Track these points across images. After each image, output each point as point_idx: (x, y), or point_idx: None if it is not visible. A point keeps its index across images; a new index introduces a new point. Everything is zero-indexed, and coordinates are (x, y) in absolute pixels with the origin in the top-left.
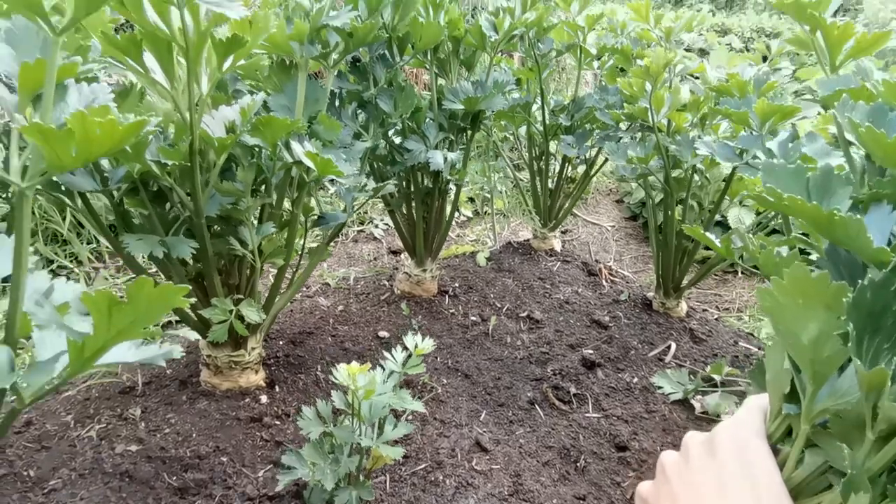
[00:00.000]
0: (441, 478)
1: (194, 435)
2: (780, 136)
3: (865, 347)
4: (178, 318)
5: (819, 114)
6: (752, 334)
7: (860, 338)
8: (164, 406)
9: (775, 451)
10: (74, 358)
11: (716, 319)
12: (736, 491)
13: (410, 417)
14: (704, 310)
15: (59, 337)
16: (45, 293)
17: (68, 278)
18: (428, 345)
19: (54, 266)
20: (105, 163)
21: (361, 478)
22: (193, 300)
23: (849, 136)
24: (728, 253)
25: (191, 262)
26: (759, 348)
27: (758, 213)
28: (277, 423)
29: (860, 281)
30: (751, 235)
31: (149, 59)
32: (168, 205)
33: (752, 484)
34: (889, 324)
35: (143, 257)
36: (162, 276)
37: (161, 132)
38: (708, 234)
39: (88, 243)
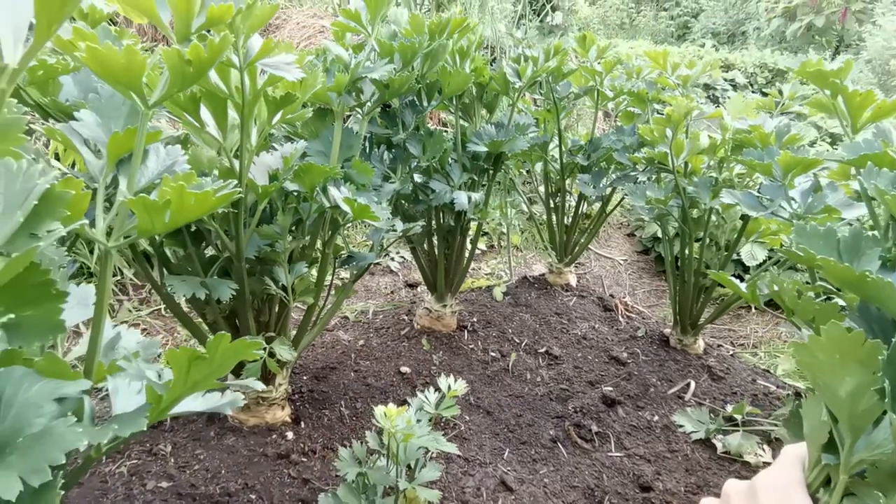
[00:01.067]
0: None
1: (223, 471)
2: (801, 187)
3: None
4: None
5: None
6: (768, 371)
7: (895, 393)
8: (192, 441)
9: (814, 500)
10: (153, 409)
11: (731, 355)
12: None
13: (435, 454)
14: (719, 345)
15: (131, 386)
16: (111, 341)
17: None
18: (461, 386)
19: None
20: None
21: None
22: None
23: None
24: (755, 300)
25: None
26: (778, 386)
27: (770, 250)
28: (304, 459)
29: (894, 339)
30: (787, 281)
31: (204, 113)
32: (204, 244)
33: None
34: None
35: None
36: (194, 310)
37: (206, 177)
38: (732, 278)
39: (113, 276)
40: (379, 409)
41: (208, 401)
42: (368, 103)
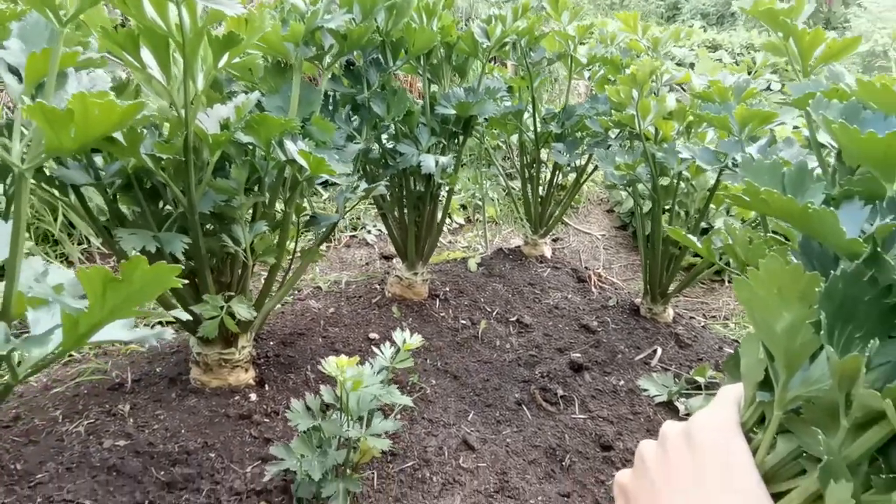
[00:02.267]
0: (428, 475)
1: (183, 431)
2: (759, 142)
3: (837, 337)
4: (170, 320)
5: (796, 128)
6: (737, 341)
7: (832, 327)
8: (153, 403)
9: (749, 439)
10: (69, 333)
11: (702, 327)
12: (711, 479)
13: (399, 416)
14: (692, 317)
15: (54, 318)
16: (41, 275)
17: None
18: (416, 340)
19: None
20: (99, 160)
21: (349, 471)
22: (185, 282)
23: (821, 139)
24: (709, 254)
25: (183, 259)
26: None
27: (743, 222)
28: (267, 420)
29: (832, 272)
30: (739, 228)
31: (146, 55)
32: (161, 203)
33: (728, 473)
34: (860, 314)
35: (136, 253)
36: None
37: (156, 128)
38: (690, 236)
39: (79, 244)
40: (330, 359)
41: (136, 333)
42: (328, 57)
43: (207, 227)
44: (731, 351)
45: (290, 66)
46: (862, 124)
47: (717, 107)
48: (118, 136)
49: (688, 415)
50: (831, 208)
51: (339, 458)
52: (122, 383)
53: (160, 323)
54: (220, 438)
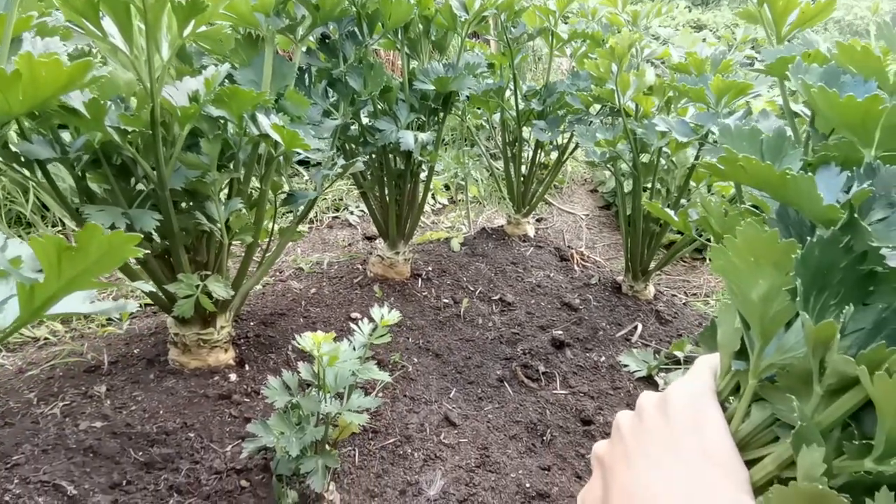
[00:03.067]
0: (409, 451)
1: (161, 412)
2: (735, 114)
3: (812, 304)
4: (147, 302)
5: (771, 88)
6: (717, 317)
7: (807, 294)
8: (130, 384)
9: (724, 407)
10: (24, 305)
11: (683, 304)
12: (686, 447)
13: (381, 394)
14: (673, 295)
15: (11, 290)
16: None
17: None
18: (394, 316)
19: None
20: (66, 136)
21: (328, 447)
22: (146, 251)
23: (795, 107)
24: (685, 227)
25: (157, 238)
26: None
27: (723, 199)
28: (247, 400)
29: (809, 238)
30: (714, 200)
31: (108, 24)
32: (132, 180)
33: (702, 440)
34: (836, 281)
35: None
36: None
37: (122, 101)
38: (667, 209)
39: (53, 226)
40: (306, 335)
41: (98, 305)
42: (301, 29)
43: (181, 204)
44: None
45: (263, 38)
46: (841, 88)
47: (694, 79)
48: (80, 108)
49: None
50: (809, 174)
51: (318, 435)
52: (99, 365)
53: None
54: (199, 419)
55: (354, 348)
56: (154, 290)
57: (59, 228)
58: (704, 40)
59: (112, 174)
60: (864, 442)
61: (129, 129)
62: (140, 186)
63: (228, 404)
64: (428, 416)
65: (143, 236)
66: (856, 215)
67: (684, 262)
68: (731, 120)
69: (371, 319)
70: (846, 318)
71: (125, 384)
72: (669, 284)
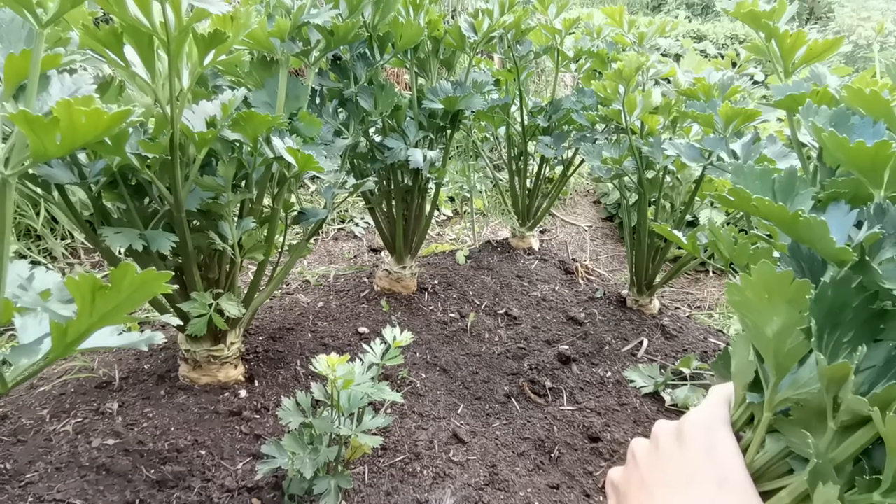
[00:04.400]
0: (419, 469)
1: (172, 429)
2: (743, 139)
3: (826, 342)
4: (157, 315)
5: (779, 119)
6: (721, 331)
7: (821, 332)
8: (141, 400)
9: (738, 438)
10: (57, 341)
11: (687, 317)
12: (702, 478)
13: (389, 411)
14: (677, 308)
15: (42, 324)
16: (27, 281)
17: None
18: (406, 337)
19: (27, 262)
20: (83, 156)
21: (340, 468)
22: (176, 287)
23: (802, 138)
24: (694, 249)
25: (170, 256)
26: (728, 344)
27: (727, 213)
28: (257, 416)
29: (822, 279)
30: (724, 228)
31: (129, 52)
32: (147, 199)
33: (718, 469)
34: (848, 319)
35: (122, 251)
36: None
37: (141, 126)
38: (675, 231)
39: (62, 239)
40: (321, 358)
41: (125, 338)
42: (315, 53)
43: (194, 223)
44: (716, 342)
45: (276, 60)
46: (850, 131)
47: (703, 104)
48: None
49: (673, 405)
50: (822, 217)
51: (331, 455)
52: (110, 381)
53: (147, 323)
54: (210, 436)
55: (366, 370)
56: (180, 322)
57: (69, 241)
58: (705, 52)
59: (128, 194)
60: (875, 477)
61: (149, 154)
62: (154, 205)
63: (239, 421)
64: (436, 432)
65: (171, 273)
66: (867, 257)
67: (687, 274)
68: (738, 144)
69: (383, 339)
70: (859, 358)
71: (136, 400)
72: (673, 297)
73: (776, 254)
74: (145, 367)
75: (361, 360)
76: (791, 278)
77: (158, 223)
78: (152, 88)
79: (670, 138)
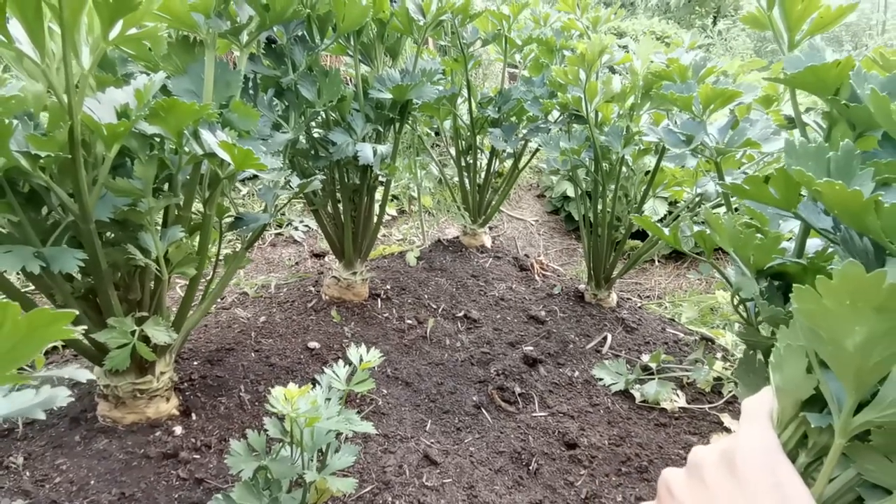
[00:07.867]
0: (390, 500)
1: (92, 482)
2: (718, 122)
3: None
4: (64, 343)
5: (755, 100)
6: (673, 319)
7: None
8: (52, 449)
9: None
10: None
11: (640, 307)
12: None
13: (351, 435)
14: (628, 298)
15: None
16: None
17: None
18: (374, 356)
19: None
20: None
21: None
22: (83, 328)
23: (806, 119)
24: (677, 243)
25: (79, 276)
26: (685, 333)
27: (670, 204)
28: (197, 456)
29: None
30: (724, 219)
31: (14, 27)
32: (45, 209)
33: (782, 501)
34: None
35: (18, 275)
36: (43, 296)
37: (31, 118)
38: (658, 225)
39: None
40: (277, 391)
41: (13, 401)
42: (246, 33)
43: (108, 235)
44: (674, 331)
45: (201, 42)
46: None
47: (680, 86)
48: None
49: (644, 401)
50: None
51: (294, 503)
52: (12, 429)
53: (55, 347)
54: (140, 486)
55: (331, 398)
56: (81, 339)
57: None
58: (626, 47)
59: (19, 203)
60: None
61: (42, 153)
62: (54, 215)
63: (175, 464)
64: (406, 455)
65: (74, 313)
66: None
67: (636, 266)
68: (715, 128)
69: (346, 360)
70: None
71: (46, 450)
72: (623, 288)
73: (784, 244)
74: (54, 408)
75: (320, 383)
76: (883, 280)
77: (61, 238)
78: (43, 70)
79: (629, 125)
